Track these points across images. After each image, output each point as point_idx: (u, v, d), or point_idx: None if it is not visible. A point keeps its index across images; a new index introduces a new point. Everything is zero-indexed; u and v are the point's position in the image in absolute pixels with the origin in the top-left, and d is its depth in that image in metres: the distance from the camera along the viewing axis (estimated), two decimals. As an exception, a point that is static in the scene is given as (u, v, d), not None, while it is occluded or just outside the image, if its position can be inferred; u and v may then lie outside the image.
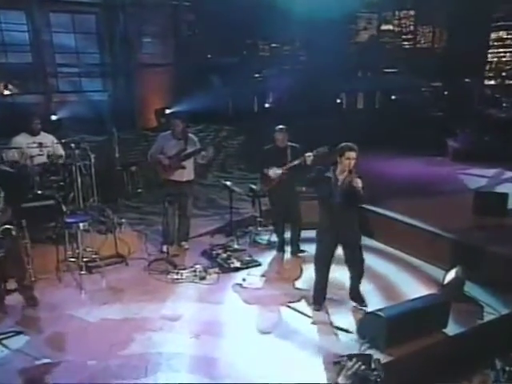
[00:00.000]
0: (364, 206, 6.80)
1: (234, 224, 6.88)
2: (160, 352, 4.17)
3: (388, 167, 9.94)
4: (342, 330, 4.46)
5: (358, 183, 4.35)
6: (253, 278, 5.70)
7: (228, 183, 6.81)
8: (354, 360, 2.41)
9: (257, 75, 14.44)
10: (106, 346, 4.20)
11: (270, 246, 6.63)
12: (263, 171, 6.15)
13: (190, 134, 6.51)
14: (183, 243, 6.64)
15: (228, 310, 4.96)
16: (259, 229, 7.11)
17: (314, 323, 4.67)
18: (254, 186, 7.12)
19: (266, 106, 13.06)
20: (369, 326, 4.24)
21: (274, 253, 6.44)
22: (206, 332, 4.52)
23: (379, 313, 4.19)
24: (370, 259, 5.73)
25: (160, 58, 10.86)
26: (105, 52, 10.54)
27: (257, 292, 5.35)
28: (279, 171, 6.03)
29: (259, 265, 6.04)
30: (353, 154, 4.45)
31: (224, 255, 6.19)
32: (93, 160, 6.67)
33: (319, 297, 4.93)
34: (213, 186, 9.05)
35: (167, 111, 10.14)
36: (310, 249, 5.95)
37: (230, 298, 5.25)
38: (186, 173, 6.37)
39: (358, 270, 4.80)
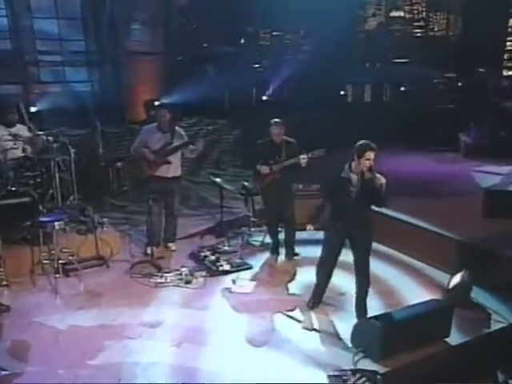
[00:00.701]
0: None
1: (225, 224, 6.89)
2: (137, 361, 4.13)
3: (394, 164, 9.63)
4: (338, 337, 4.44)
5: (382, 180, 4.38)
6: (243, 281, 5.69)
7: (218, 180, 6.79)
8: (358, 375, 2.33)
9: (256, 66, 14.36)
10: (78, 355, 4.17)
11: (263, 247, 6.64)
12: (256, 168, 6.13)
13: (177, 127, 6.48)
14: (170, 244, 6.63)
15: (214, 317, 4.94)
16: (252, 229, 7.09)
17: (306, 328, 4.68)
18: (246, 184, 7.12)
19: (264, 98, 12.96)
20: (363, 334, 4.20)
21: (267, 255, 6.43)
22: (189, 340, 4.49)
23: (374, 320, 4.14)
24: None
25: (150, 45, 10.79)
26: (90, 39, 10.46)
27: (246, 297, 5.33)
28: (273, 168, 6.01)
29: (250, 268, 6.02)
30: (373, 155, 4.44)
31: (212, 257, 6.17)
32: (73, 155, 6.62)
33: (315, 299, 4.99)
34: (205, 183, 9.00)
35: (157, 103, 10.09)
36: (306, 251, 5.96)
37: (216, 303, 5.22)
38: (173, 168, 6.33)
39: (366, 278, 4.74)
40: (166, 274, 5.74)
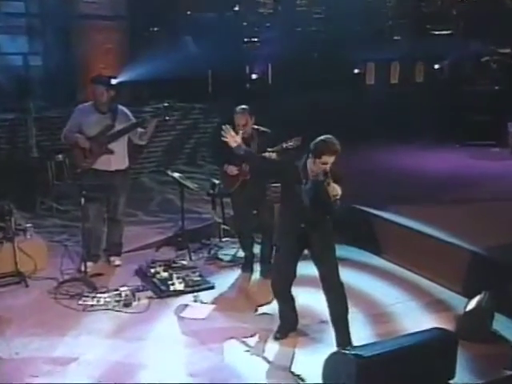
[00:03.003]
0: (373, 211, 7.05)
1: (188, 234, 6.96)
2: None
3: (421, 160, 9.95)
4: (295, 375, 4.38)
5: (335, 191, 4.32)
6: (198, 304, 5.65)
7: (176, 175, 6.78)
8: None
9: (252, 39, 14.32)
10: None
11: (234, 263, 6.67)
12: (223, 169, 6.16)
13: (121, 106, 6.43)
14: (113, 258, 6.60)
15: (150, 349, 4.86)
16: (223, 240, 7.18)
17: (267, 361, 4.67)
18: (216, 181, 7.04)
19: (254, 77, 12.93)
20: (335, 371, 4.02)
21: (238, 272, 6.47)
22: (110, 379, 4.37)
23: (348, 353, 3.96)
24: (366, 281, 6.14)
25: (109, 8, 10.70)
26: (31, -2, 10.46)
27: (199, 324, 5.29)
28: (242, 167, 5.98)
29: (212, 288, 6.00)
30: (332, 159, 4.39)
31: (164, 274, 6.13)
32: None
33: (282, 327, 5.01)
34: (172, 183, 8.95)
35: (114, 81, 10.01)
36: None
37: (157, 332, 5.17)
38: (115, 159, 6.27)
39: (339, 299, 4.72)
40: (99, 295, 5.69)
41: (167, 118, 6.53)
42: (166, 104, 6.35)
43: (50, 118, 8.98)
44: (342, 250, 6.64)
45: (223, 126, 4.83)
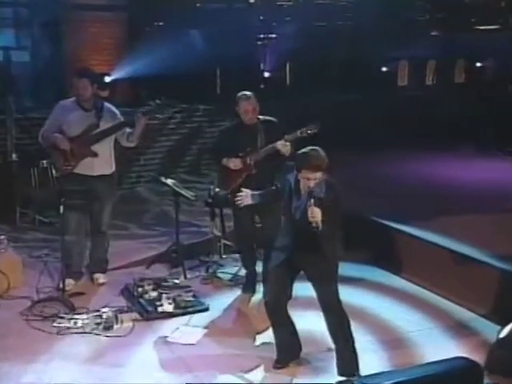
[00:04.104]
0: (394, 224, 7.14)
1: (183, 249, 6.98)
2: None
3: (456, 169, 9.97)
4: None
5: (314, 215, 4.35)
6: (190, 328, 5.62)
7: (169, 181, 6.83)
8: None
9: (266, 35, 14.40)
10: None
11: (235, 283, 6.68)
12: (222, 163, 6.14)
13: (107, 103, 6.48)
14: (97, 276, 6.60)
15: (130, 376, 4.83)
16: (224, 257, 7.21)
17: None
18: (217, 189, 6.95)
19: (267, 75, 12.99)
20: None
21: (238, 293, 6.47)
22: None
23: (356, 382, 3.86)
24: (383, 303, 6.14)
25: (106, -3, 10.91)
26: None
27: (187, 350, 5.26)
28: (246, 161, 5.99)
29: (206, 310, 5.99)
30: (316, 176, 4.44)
31: (152, 294, 6.11)
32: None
33: (283, 355, 4.97)
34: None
35: (107, 78, 10.11)
36: (299, 288, 5.77)
37: (139, 358, 5.16)
38: (100, 163, 6.29)
39: (334, 316, 4.74)
40: (77, 317, 5.70)
41: (159, 115, 6.51)
42: (157, 101, 6.35)
43: (36, 120, 9.03)
44: (357, 270, 6.83)
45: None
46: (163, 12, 12.19)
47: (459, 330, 5.60)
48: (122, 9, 11.04)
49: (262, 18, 14.39)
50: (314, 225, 4.35)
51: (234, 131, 6.12)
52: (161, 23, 12.80)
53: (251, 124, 5.99)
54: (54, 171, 8.25)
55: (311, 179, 4.41)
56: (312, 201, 4.35)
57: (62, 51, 10.64)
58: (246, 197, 5.06)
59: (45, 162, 8.50)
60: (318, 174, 4.41)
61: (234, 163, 6.01)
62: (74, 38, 10.61)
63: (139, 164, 9.88)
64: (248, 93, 6.00)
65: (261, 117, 6.03)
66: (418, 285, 6.51)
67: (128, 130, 6.29)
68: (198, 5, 13.11)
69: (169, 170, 9.82)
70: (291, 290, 4.82)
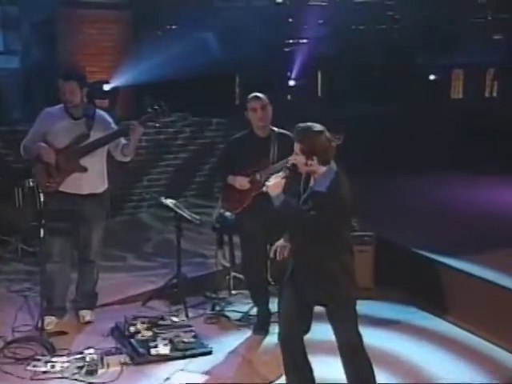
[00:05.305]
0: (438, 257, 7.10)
1: (186, 282, 6.97)
2: None
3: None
4: None
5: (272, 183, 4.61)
6: (187, 375, 5.59)
7: (170, 202, 6.80)
8: None
9: (296, 40, 14.56)
10: None
11: (246, 323, 6.64)
12: (227, 181, 6.17)
13: (100, 111, 6.52)
14: (83, 313, 6.56)
15: None
16: (233, 292, 7.21)
17: None
18: (227, 213, 6.98)
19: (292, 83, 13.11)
20: None
21: (248, 334, 6.45)
22: None
23: None
24: (424, 351, 6.02)
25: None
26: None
27: None
28: (256, 178, 5.98)
29: (209, 353, 5.95)
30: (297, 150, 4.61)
31: (146, 334, 6.10)
32: None
33: None
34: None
35: (106, 86, 10.20)
36: (319, 330, 5.74)
37: None
38: (89, 180, 6.28)
39: (349, 364, 4.73)
40: (56, 359, 5.69)
41: (157, 125, 6.53)
42: (156, 107, 6.34)
43: (23, 133, 9.09)
44: (392, 310, 6.91)
45: None
46: (176, 12, 12.36)
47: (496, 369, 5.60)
48: (125, 7, 11.15)
49: (290, 20, 14.53)
50: (263, 188, 4.62)
51: (243, 143, 6.12)
52: (173, 26, 12.99)
53: (263, 136, 6.04)
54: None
55: (296, 153, 4.53)
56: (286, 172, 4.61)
57: (55, 56, 10.76)
58: (282, 248, 5.07)
59: (31, 180, 8.57)
60: (297, 149, 4.51)
61: (241, 183, 6.01)
62: (70, 40, 10.75)
63: (142, 185, 9.93)
64: (259, 95, 6.05)
65: (275, 129, 6.08)
66: (467, 329, 6.43)
67: (123, 141, 6.31)
68: (215, 4, 13.29)
69: (176, 192, 9.84)
70: (306, 322, 4.78)
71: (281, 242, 5.17)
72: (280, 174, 4.75)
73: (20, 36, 10.80)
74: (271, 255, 5.26)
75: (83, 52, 10.79)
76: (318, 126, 4.54)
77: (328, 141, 4.51)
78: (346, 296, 4.66)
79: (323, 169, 4.50)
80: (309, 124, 4.55)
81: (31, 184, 8.35)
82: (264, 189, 4.74)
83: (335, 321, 4.69)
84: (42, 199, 6.13)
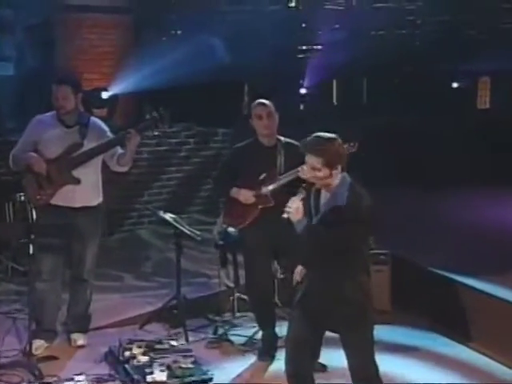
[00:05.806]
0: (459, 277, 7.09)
1: (186, 304, 6.93)
2: None
3: None
4: None
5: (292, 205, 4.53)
6: None
7: (169, 216, 6.77)
8: None
9: (312, 45, 14.57)
10: None
11: (251, 348, 6.60)
12: (230, 194, 6.13)
13: (94, 118, 6.51)
14: (75, 336, 6.53)
15: None
16: (237, 315, 7.21)
17: None
18: (231, 229, 6.96)
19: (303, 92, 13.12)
20: None
21: (253, 360, 6.40)
22: None
23: None
24: (445, 380, 5.94)
25: (106, -2, 11.12)
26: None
27: None
28: (262, 191, 5.96)
29: (208, 380, 5.84)
30: (312, 161, 4.55)
31: (142, 359, 6.04)
32: None
33: None
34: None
35: (105, 94, 10.21)
36: (338, 357, 5.71)
37: None
38: (82, 192, 6.25)
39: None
40: None
41: (156, 133, 6.51)
42: (154, 114, 6.32)
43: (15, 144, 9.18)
44: (412, 336, 6.89)
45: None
46: (180, 16, 12.40)
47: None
48: (126, 11, 11.21)
49: (304, 25, 14.55)
50: (284, 215, 4.49)
51: (247, 152, 6.10)
52: (178, 31, 13.01)
53: (269, 145, 6.03)
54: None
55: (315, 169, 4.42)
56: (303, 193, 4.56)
57: (52, 62, 10.80)
58: (297, 274, 5.01)
59: (22, 194, 8.57)
60: (319, 163, 4.40)
61: (245, 196, 5.97)
62: (68, 46, 10.80)
63: (142, 200, 9.91)
64: (264, 101, 6.06)
65: (282, 138, 6.08)
66: (491, 357, 6.32)
67: (120, 150, 6.29)
68: (222, 8, 13.33)
69: (179, 207, 9.82)
70: (316, 348, 4.84)
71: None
72: (297, 196, 4.67)
73: (14, 41, 10.83)
74: (297, 279, 5.11)
75: (81, 58, 10.89)
76: (328, 134, 4.50)
77: (342, 146, 4.52)
78: (363, 320, 4.59)
79: (337, 181, 4.45)
80: (318, 135, 4.51)
81: (22, 198, 8.41)
82: (285, 215, 4.63)
83: (349, 347, 4.65)
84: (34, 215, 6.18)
